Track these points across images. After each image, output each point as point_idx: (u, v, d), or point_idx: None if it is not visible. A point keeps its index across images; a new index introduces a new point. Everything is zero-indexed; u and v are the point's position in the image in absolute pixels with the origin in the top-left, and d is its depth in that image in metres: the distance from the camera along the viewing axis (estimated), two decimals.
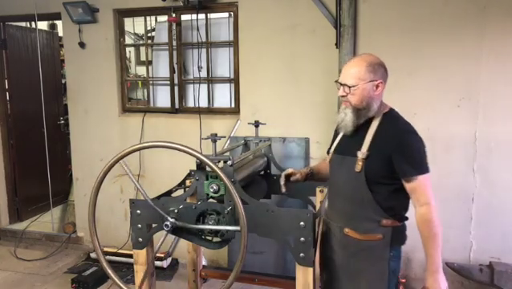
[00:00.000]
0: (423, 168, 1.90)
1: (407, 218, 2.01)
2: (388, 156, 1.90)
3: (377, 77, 1.93)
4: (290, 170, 2.34)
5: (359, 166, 1.94)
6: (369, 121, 1.99)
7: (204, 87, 4.13)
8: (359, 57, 2.03)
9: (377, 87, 1.94)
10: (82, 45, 4.32)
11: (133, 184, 4.17)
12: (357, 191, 1.97)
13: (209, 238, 2.16)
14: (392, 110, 2.03)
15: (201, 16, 4.00)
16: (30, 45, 5.13)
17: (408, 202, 2.00)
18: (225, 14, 4.10)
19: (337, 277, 2.12)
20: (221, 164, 2.15)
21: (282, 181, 2.32)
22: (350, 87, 1.94)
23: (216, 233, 2.13)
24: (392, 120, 1.99)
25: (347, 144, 2.06)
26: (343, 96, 1.98)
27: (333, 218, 2.14)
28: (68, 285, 3.76)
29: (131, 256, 2.65)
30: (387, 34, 3.42)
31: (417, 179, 1.87)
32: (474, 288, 3.40)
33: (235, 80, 4.00)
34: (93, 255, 4.21)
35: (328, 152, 2.25)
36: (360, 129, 2.00)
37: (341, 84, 1.98)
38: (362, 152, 1.94)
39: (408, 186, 1.91)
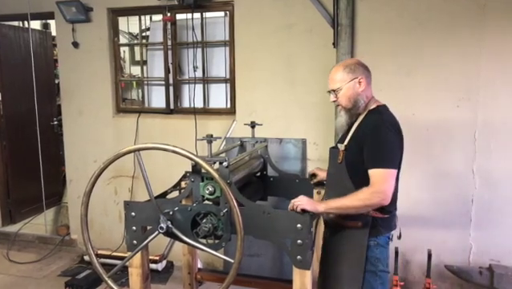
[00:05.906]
0: (382, 162, 1.98)
1: (390, 212, 2.10)
2: (361, 148, 2.03)
3: (357, 74, 2.10)
4: (313, 171, 2.63)
5: (340, 157, 2.12)
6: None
7: (199, 87, 4.09)
8: (337, 64, 2.24)
9: (360, 83, 2.10)
10: (75, 44, 4.28)
11: (128, 185, 4.19)
12: (340, 180, 2.12)
13: (205, 241, 2.12)
14: (380, 107, 2.14)
15: (197, 15, 3.96)
16: (23, 45, 5.08)
17: (395, 195, 2.05)
18: (221, 14, 4.07)
19: (327, 261, 2.26)
20: (216, 166, 2.11)
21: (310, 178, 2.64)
22: (335, 90, 2.13)
23: (211, 235, 2.08)
24: (374, 115, 2.10)
25: (339, 140, 2.25)
26: (334, 101, 2.17)
27: None
28: (62, 288, 3.72)
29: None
30: (385, 33, 3.38)
31: (374, 171, 1.97)
32: None
33: (231, 80, 3.96)
34: (87, 258, 4.15)
35: None
36: (351, 126, 2.17)
37: (329, 92, 2.18)
38: (341, 145, 2.14)
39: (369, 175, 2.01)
